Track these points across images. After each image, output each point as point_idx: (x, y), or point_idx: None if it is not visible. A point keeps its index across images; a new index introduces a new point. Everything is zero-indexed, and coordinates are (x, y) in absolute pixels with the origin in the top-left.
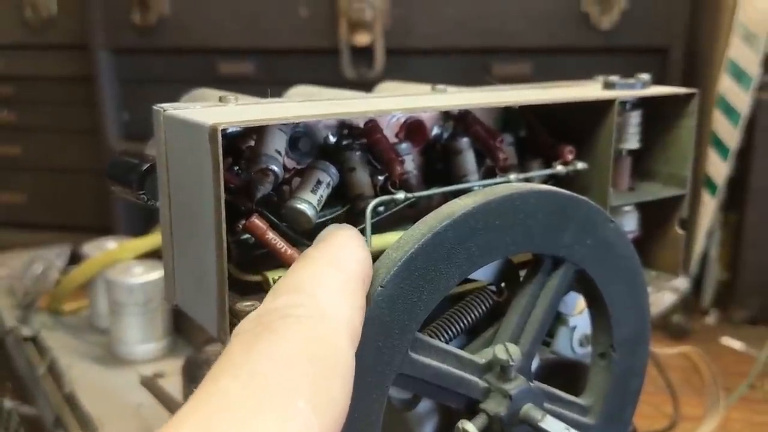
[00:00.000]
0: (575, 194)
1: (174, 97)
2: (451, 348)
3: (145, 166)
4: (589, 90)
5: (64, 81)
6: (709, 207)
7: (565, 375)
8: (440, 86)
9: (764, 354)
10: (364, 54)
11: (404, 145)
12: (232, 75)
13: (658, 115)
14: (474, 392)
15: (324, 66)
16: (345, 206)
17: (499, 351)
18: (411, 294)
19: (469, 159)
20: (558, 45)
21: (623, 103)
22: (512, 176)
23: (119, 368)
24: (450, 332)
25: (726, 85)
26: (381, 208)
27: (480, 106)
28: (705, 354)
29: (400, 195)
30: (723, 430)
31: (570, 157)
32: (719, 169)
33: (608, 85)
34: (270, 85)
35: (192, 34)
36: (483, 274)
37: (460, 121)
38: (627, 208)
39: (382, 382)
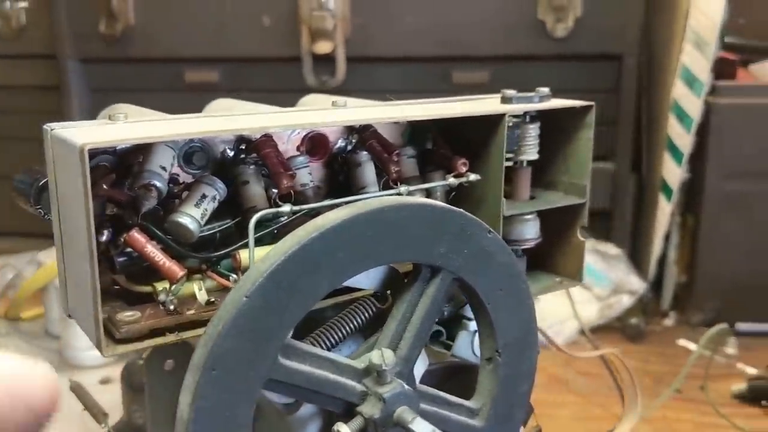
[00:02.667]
0: (449, 206)
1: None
2: (326, 354)
3: (41, 182)
4: (485, 104)
5: (34, 90)
6: (665, 211)
7: (465, 378)
8: (341, 101)
9: (693, 357)
10: (325, 62)
11: (301, 158)
12: (199, 83)
13: (558, 128)
14: (350, 396)
15: (287, 74)
16: (235, 219)
17: (375, 356)
18: (278, 304)
19: (367, 171)
20: (515, 53)
21: (522, 116)
22: (403, 188)
23: (68, 373)
24: (332, 339)
25: (679, 91)
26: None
27: (368, 121)
28: (622, 355)
29: (286, 208)
30: (668, 429)
31: (463, 168)
32: (674, 173)
33: (506, 100)
34: (235, 93)
35: (158, 43)
36: (367, 282)
37: (361, 135)
38: (528, 217)
39: (250, 386)
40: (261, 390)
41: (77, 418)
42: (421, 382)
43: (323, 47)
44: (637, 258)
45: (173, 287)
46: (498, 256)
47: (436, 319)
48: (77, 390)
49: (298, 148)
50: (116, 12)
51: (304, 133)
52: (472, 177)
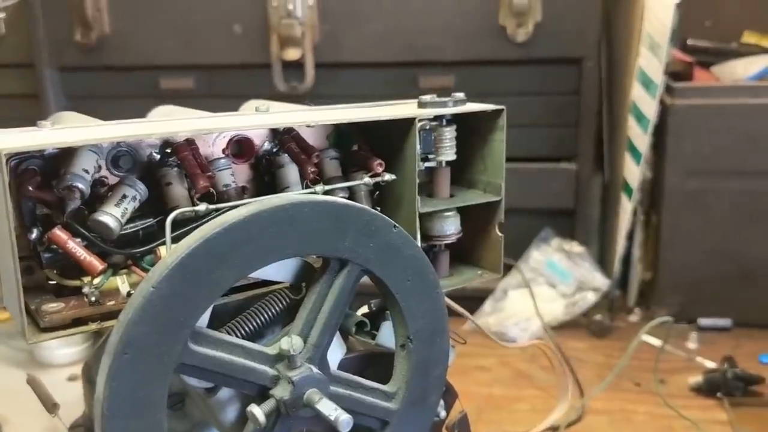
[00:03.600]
0: (352, 203)
1: (119, 113)
2: (237, 341)
3: None
4: (400, 109)
5: (12, 98)
6: (627, 209)
7: (385, 365)
8: (263, 106)
9: (632, 347)
10: (295, 68)
11: (223, 161)
12: (173, 90)
13: (475, 131)
14: (262, 380)
15: (258, 80)
16: (158, 218)
17: (284, 342)
18: (185, 293)
19: (290, 172)
20: (478, 58)
21: (439, 119)
22: (318, 188)
23: (38, 372)
24: (246, 328)
25: (637, 93)
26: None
27: (278, 125)
28: (555, 346)
29: (202, 207)
30: (627, 422)
31: (379, 169)
32: (633, 172)
33: (421, 105)
34: (208, 99)
35: (133, 51)
36: (281, 275)
37: (282, 138)
38: (448, 213)
39: (161, 369)
40: (173, 373)
41: (40, 415)
42: (341, 369)
43: (292, 54)
44: (602, 256)
45: (96, 280)
46: (404, 249)
47: (346, 308)
48: (32, 383)
49: (223, 151)
50: (91, 21)
51: (229, 137)
52: (387, 177)
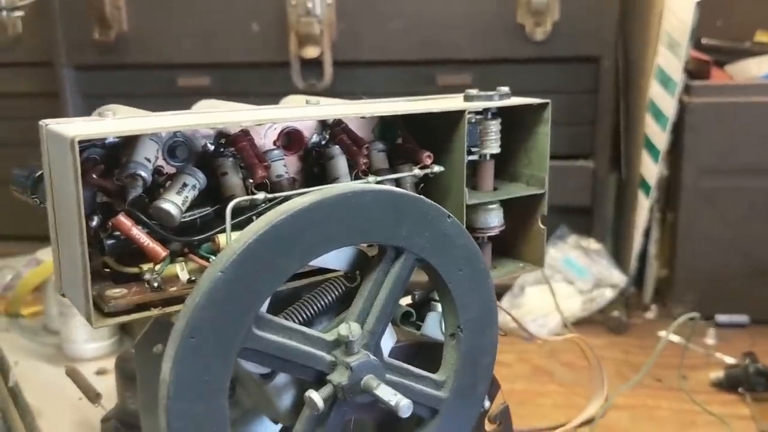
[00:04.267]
0: (409, 193)
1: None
2: (297, 326)
3: (37, 173)
4: (448, 103)
5: (30, 97)
6: (644, 207)
7: (432, 355)
8: (314, 99)
9: (660, 345)
10: (313, 66)
11: (276, 152)
12: (190, 88)
13: (519, 124)
14: (320, 365)
15: (276, 78)
16: (215, 206)
17: (342, 329)
18: (250, 278)
19: (340, 164)
20: (495, 56)
21: (484, 113)
22: (371, 178)
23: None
24: (304, 314)
25: (655, 91)
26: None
27: (335, 116)
28: (588, 343)
29: (260, 196)
30: (649, 418)
31: (428, 161)
32: (651, 170)
33: (468, 98)
34: (225, 97)
35: (151, 49)
36: (337, 263)
37: (333, 130)
38: (492, 206)
39: (226, 353)
40: (236, 358)
41: (72, 407)
42: (391, 357)
43: (311, 52)
44: (618, 253)
45: (157, 267)
46: (457, 239)
47: (401, 296)
48: (72, 374)
49: (274, 143)
50: (109, 19)
51: (279, 129)
52: (436, 168)
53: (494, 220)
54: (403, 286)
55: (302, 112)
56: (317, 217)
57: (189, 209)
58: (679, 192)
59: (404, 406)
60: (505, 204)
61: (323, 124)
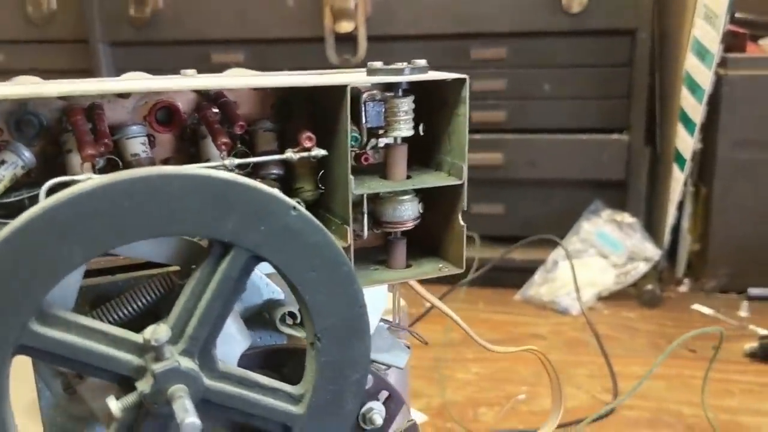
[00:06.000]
0: (240, 179)
1: None
2: (96, 324)
3: None
4: (337, 77)
5: (64, 74)
6: (679, 180)
7: (298, 362)
8: (189, 71)
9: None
10: (347, 41)
11: (134, 128)
12: (224, 64)
13: (443, 104)
14: (124, 369)
15: (310, 53)
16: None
17: (147, 331)
18: (21, 269)
19: (210, 144)
20: (531, 29)
21: (393, 89)
22: (227, 161)
23: None
24: (120, 313)
25: (691, 63)
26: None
27: (193, 87)
28: (544, 354)
29: (83, 177)
30: (685, 387)
31: (308, 143)
32: (686, 143)
33: (370, 72)
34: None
35: (185, 26)
36: (159, 255)
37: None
38: (403, 197)
39: None
40: (12, 356)
41: None
42: (243, 364)
43: (345, 26)
44: (652, 227)
45: None
46: (306, 235)
47: (235, 298)
48: None
49: (145, 118)
50: None
51: (152, 103)
52: (316, 152)
53: (407, 212)
54: (235, 285)
55: (164, 83)
56: (105, 204)
57: (16, 189)
58: (714, 165)
59: (188, 424)
60: (427, 196)
61: (205, 98)
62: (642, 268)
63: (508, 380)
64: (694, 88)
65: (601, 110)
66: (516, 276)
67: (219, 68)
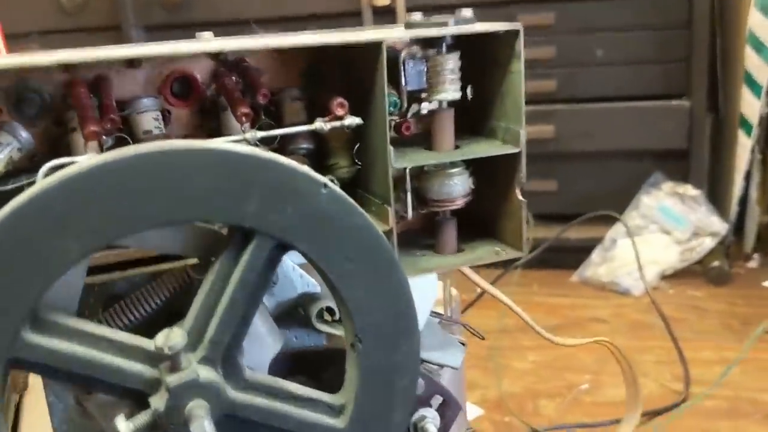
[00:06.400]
0: (261, 153)
1: None
2: (103, 330)
3: None
4: (371, 33)
5: None
6: (746, 147)
7: (339, 366)
8: (207, 35)
9: None
10: (385, 14)
11: (145, 101)
12: None
13: (493, 62)
14: (134, 383)
15: (347, 28)
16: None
17: (159, 337)
18: (8, 269)
19: (231, 116)
20: None
21: (435, 45)
22: (249, 134)
23: None
24: (131, 315)
25: (755, 20)
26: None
27: (205, 50)
28: (616, 347)
29: (84, 158)
30: (760, 370)
31: (341, 111)
32: (753, 107)
33: (409, 26)
34: None
35: (218, 7)
36: (173, 245)
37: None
38: (454, 170)
39: None
40: (3, 369)
41: None
42: (274, 370)
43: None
44: (717, 199)
45: None
46: (341, 217)
47: (261, 293)
48: None
49: (159, 91)
50: None
51: (166, 73)
52: (349, 121)
53: (456, 188)
54: (261, 279)
55: (177, 46)
56: (101, 188)
57: (15, 174)
58: None
59: None
60: (478, 169)
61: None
62: (708, 243)
63: (568, 368)
64: (759, 47)
65: (659, 75)
66: (572, 256)
67: None
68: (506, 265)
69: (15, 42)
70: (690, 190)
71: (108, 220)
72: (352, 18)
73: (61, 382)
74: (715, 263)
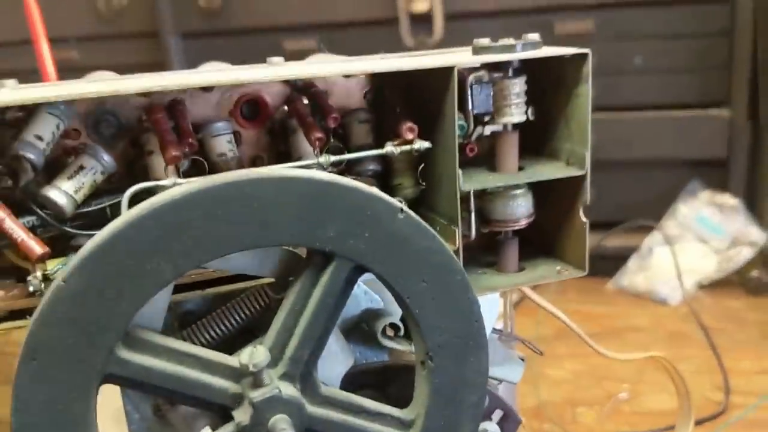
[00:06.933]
0: (341, 180)
1: None
2: (187, 347)
3: None
4: (441, 57)
5: (136, 68)
6: None
7: (404, 381)
8: (276, 59)
9: None
10: (423, 21)
11: (219, 124)
12: (296, 51)
13: (558, 84)
14: (219, 398)
15: (384, 35)
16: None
17: (244, 354)
18: (105, 289)
19: (301, 139)
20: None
21: (502, 69)
22: (322, 159)
23: None
24: (212, 332)
25: None
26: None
27: (267, 78)
28: (670, 362)
29: (167, 182)
30: None
31: (410, 135)
32: None
33: (476, 50)
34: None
35: (256, 13)
36: (255, 267)
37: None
38: (516, 191)
39: (81, 380)
40: (99, 385)
41: None
42: (345, 385)
43: (420, 6)
44: (755, 208)
45: (50, 266)
46: (415, 241)
47: (338, 313)
48: None
49: (230, 114)
50: None
51: (236, 96)
52: (419, 144)
53: (519, 209)
54: (338, 300)
55: (254, 73)
56: (192, 214)
57: (97, 196)
58: None
59: None
60: (543, 189)
61: (294, 89)
62: (746, 253)
63: (606, 377)
64: None
65: (699, 83)
66: (608, 264)
67: (293, 56)
68: None
69: (53, 48)
70: (728, 199)
71: (198, 244)
72: (389, 25)
73: (152, 394)
74: (754, 273)
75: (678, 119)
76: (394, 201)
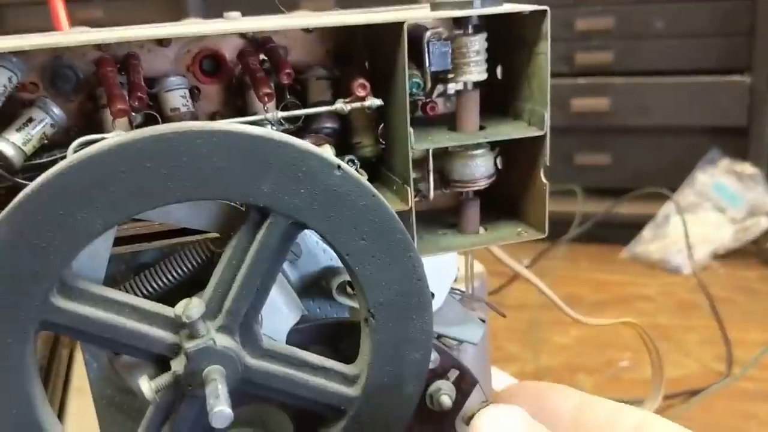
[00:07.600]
0: (275, 134)
1: None
2: (123, 297)
3: None
4: (394, 13)
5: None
6: None
7: (356, 338)
8: (234, 14)
9: None
10: None
11: (173, 79)
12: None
13: (522, 42)
14: (156, 347)
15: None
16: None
17: (179, 306)
18: (36, 239)
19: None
20: None
21: (462, 26)
22: (269, 114)
23: None
24: (153, 285)
25: None
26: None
27: (224, 31)
28: (644, 329)
29: (111, 135)
30: None
31: (362, 92)
32: None
33: (434, 6)
34: None
35: None
36: (195, 220)
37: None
38: (477, 152)
39: (16, 328)
40: (35, 332)
41: None
42: (292, 341)
43: None
44: None
45: None
46: (354, 198)
47: (277, 268)
48: None
49: (188, 68)
50: None
51: (195, 51)
52: (369, 102)
53: (479, 169)
54: (276, 255)
55: (204, 27)
56: (122, 166)
57: (48, 149)
58: None
59: (217, 413)
60: (503, 152)
61: (253, 44)
62: (763, 223)
63: (609, 345)
64: None
65: (720, 49)
66: (622, 232)
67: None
68: (554, 239)
69: (80, 8)
70: (748, 168)
71: (128, 196)
72: None
73: (89, 344)
74: None
75: (698, 85)
76: (332, 157)
